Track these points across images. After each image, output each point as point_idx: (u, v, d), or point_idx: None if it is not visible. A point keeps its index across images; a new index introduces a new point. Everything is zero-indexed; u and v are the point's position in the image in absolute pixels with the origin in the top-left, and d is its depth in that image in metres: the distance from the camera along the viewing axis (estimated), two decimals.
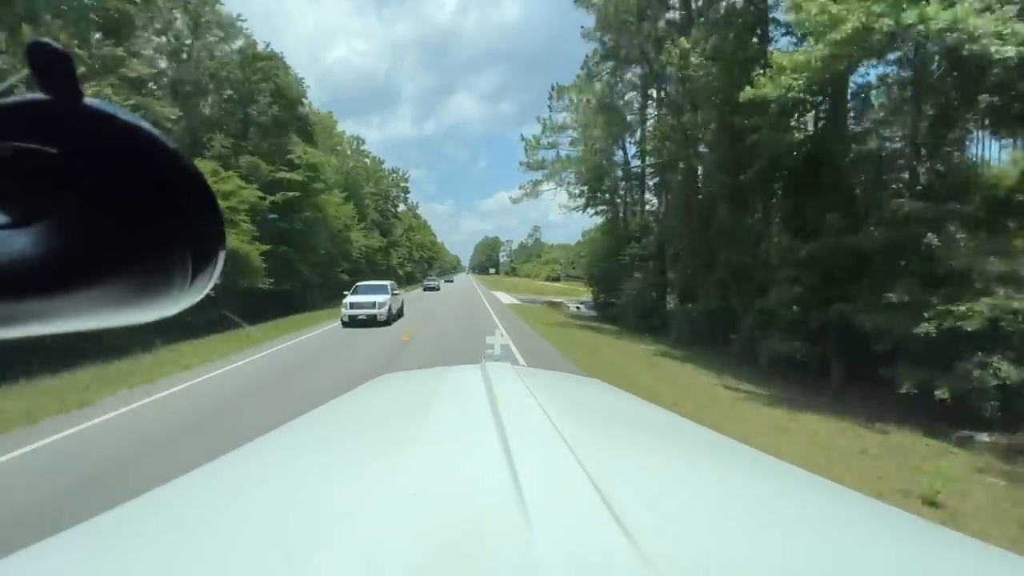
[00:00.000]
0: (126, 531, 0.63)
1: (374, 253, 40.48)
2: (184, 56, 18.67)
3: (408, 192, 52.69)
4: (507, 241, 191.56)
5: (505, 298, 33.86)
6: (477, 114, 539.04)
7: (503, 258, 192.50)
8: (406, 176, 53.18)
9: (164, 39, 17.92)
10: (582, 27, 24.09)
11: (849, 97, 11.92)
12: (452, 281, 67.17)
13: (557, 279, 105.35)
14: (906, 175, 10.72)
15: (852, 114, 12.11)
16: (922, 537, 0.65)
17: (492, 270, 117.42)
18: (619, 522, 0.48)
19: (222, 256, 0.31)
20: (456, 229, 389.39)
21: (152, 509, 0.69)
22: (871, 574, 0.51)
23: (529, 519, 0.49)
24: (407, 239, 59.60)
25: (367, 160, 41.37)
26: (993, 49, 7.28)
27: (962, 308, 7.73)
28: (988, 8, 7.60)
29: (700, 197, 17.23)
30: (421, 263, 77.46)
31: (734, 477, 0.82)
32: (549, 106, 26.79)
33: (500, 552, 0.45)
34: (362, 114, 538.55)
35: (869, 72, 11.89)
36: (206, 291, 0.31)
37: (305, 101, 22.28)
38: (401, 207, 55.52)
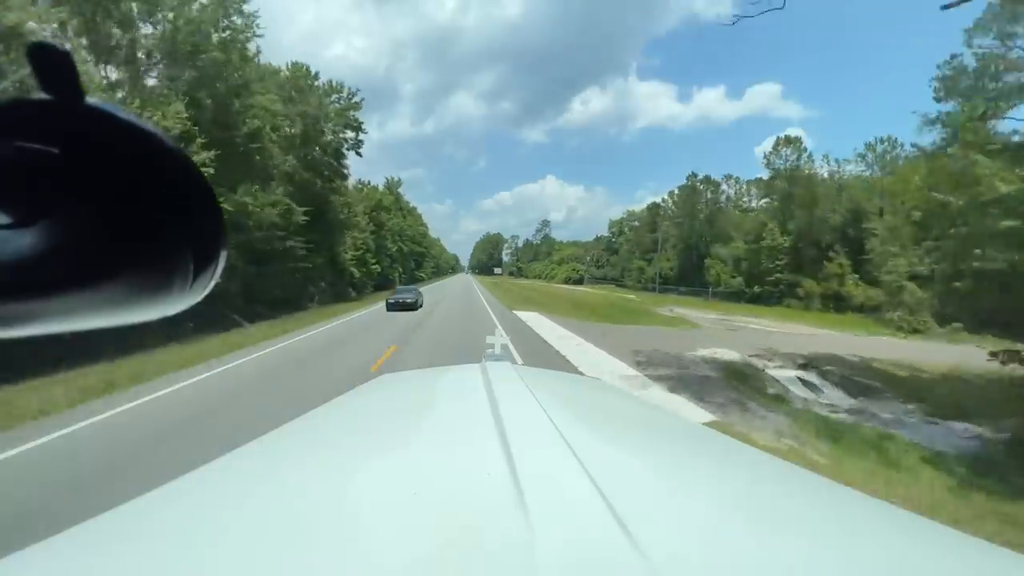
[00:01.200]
0: (127, 531, 0.62)
1: (279, 236, 19.58)
2: None
3: (362, 131, 28.95)
4: (512, 237, 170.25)
5: (579, 344, 11.98)
6: (477, 113, 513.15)
7: (505, 257, 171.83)
8: (355, 98, 28.33)
9: None
10: None
11: None
12: (412, 303, 21.57)
13: (580, 281, 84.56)
14: None
15: None
16: (923, 536, 0.65)
17: (497, 270, 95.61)
18: (620, 522, 0.48)
19: (223, 255, 0.30)
20: (456, 229, 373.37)
21: (153, 509, 0.68)
22: (872, 573, 0.51)
23: (529, 518, 0.49)
24: (370, 219, 38.54)
25: (253, 34, 18.85)
26: None
27: None
28: None
29: None
30: (404, 259, 56.46)
31: (735, 476, 0.81)
32: None
33: (500, 551, 0.45)
34: (362, 112, 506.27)
35: None
36: (207, 291, 0.31)
37: None
38: (357, 175, 34.44)
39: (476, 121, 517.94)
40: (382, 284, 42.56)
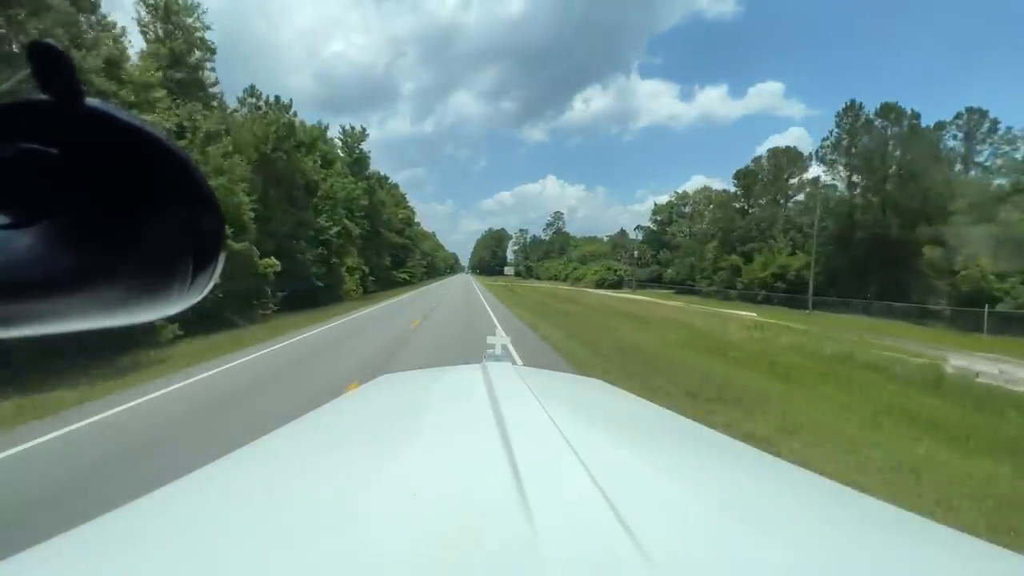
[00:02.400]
0: (128, 532, 0.62)
1: None
2: None
3: None
4: (520, 232, 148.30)
5: None
6: (477, 112, 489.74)
7: (510, 255, 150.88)
8: None
9: None
10: None
11: None
12: None
13: (618, 284, 63.57)
14: None
15: None
16: (924, 536, 0.65)
17: (508, 269, 73.32)
18: (621, 522, 0.48)
19: (222, 256, 0.30)
20: (456, 229, 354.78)
21: (154, 510, 0.68)
22: (872, 573, 0.51)
23: (531, 519, 0.49)
24: (266, 164, 17.48)
25: None
26: None
27: None
28: None
29: None
30: (358, 245, 35.60)
31: (735, 476, 0.81)
32: None
33: (502, 551, 0.45)
34: (361, 111, 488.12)
35: None
36: (206, 291, 0.30)
37: None
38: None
39: (477, 120, 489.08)
40: (315, 294, 22.02)
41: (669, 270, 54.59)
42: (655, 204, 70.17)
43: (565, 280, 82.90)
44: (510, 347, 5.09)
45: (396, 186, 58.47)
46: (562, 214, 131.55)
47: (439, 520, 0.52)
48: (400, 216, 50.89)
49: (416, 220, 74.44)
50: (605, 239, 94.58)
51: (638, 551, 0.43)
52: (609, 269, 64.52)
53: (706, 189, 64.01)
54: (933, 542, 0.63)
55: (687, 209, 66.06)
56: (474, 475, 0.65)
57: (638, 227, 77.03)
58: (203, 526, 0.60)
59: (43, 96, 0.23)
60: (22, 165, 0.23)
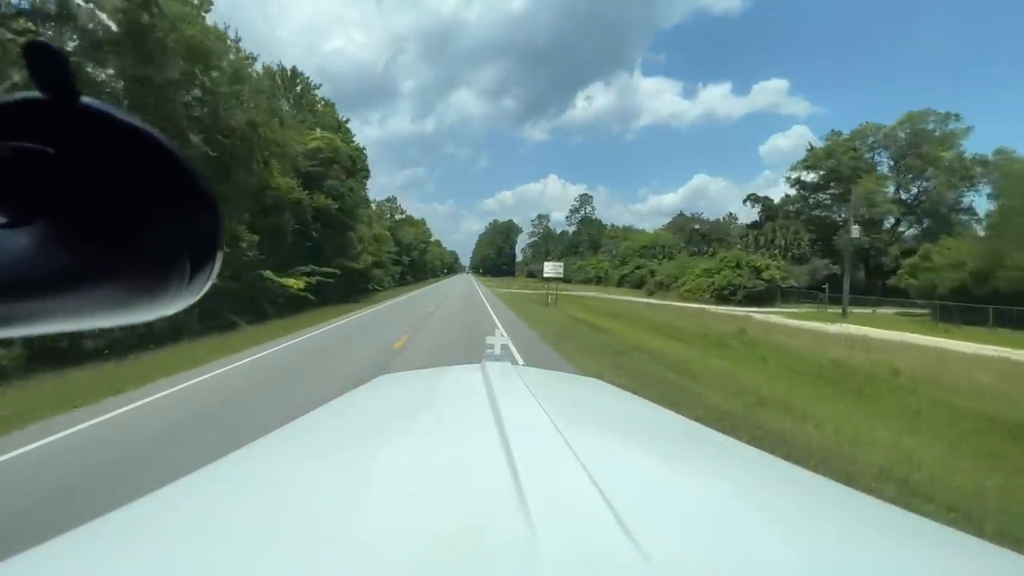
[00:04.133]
0: (128, 533, 0.62)
1: None
2: None
3: None
4: (539, 218, 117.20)
5: None
6: (478, 111, 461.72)
7: (519, 254, 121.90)
8: None
9: None
10: None
11: None
12: None
13: (767, 297, 34.65)
14: None
15: None
16: (922, 536, 0.65)
17: (551, 268, 36.04)
18: (619, 521, 0.48)
19: (220, 256, 0.30)
20: (456, 229, 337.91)
21: (154, 511, 0.68)
22: (871, 572, 0.51)
23: (529, 518, 0.49)
24: None
25: None
26: None
27: None
28: None
29: None
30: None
31: (734, 476, 0.81)
32: None
33: (500, 551, 0.45)
34: (362, 110, 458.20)
35: None
36: (204, 291, 0.30)
37: None
38: None
39: (478, 119, 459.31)
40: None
41: (917, 275, 24.78)
42: (810, 147, 40.00)
43: (619, 286, 53.71)
44: (511, 346, 4.51)
45: (329, 103, 29.05)
46: (591, 197, 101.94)
47: (437, 520, 0.51)
48: (312, 144, 21.29)
49: (399, 206, 45.53)
50: (667, 222, 65.07)
51: (636, 551, 0.43)
52: (737, 268, 33.51)
53: (926, 111, 34.47)
54: (933, 542, 0.62)
55: (905, 134, 35.82)
56: (472, 475, 0.64)
57: (750, 197, 47.00)
58: (202, 527, 0.60)
59: (39, 95, 0.22)
60: (18, 164, 0.23)
